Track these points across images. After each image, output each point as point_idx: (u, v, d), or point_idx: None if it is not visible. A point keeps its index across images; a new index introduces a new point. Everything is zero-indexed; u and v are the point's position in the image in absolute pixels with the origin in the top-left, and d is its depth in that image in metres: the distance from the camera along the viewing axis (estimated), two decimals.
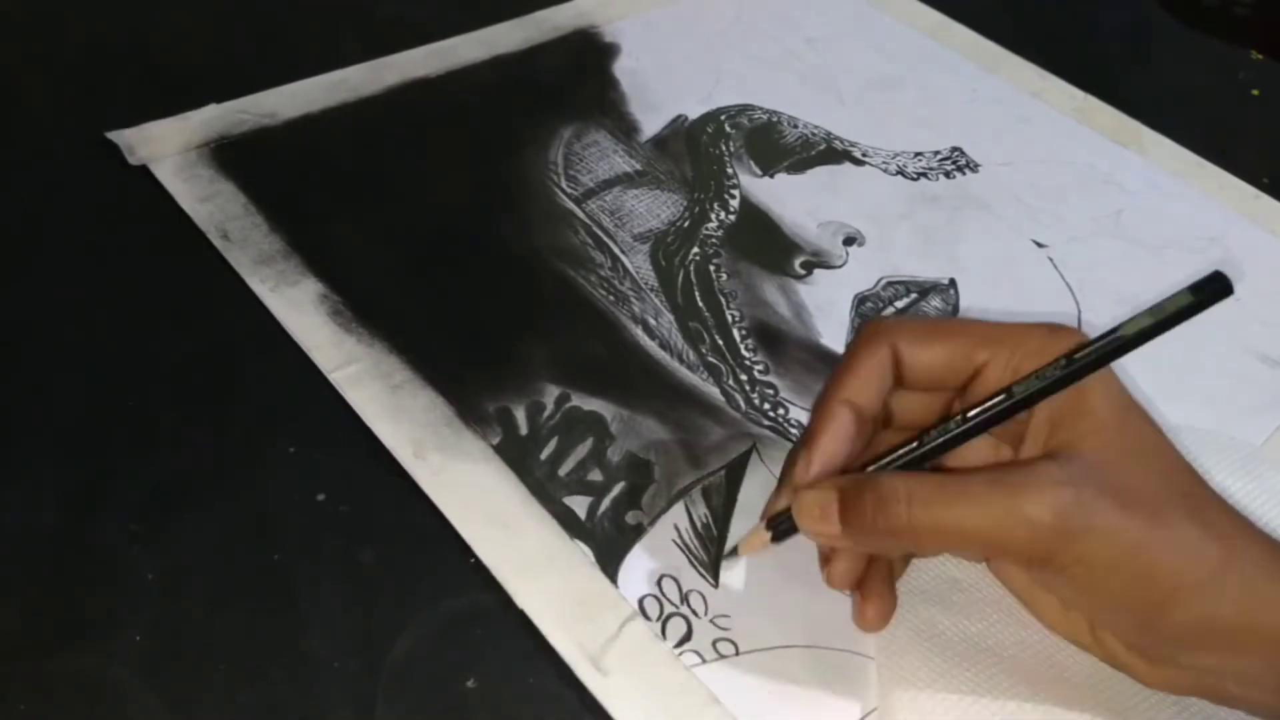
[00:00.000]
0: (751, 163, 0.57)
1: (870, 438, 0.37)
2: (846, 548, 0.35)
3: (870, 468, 0.35)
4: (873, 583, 0.36)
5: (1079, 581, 0.32)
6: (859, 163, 0.58)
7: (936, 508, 0.32)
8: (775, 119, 0.59)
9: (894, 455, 0.35)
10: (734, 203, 0.54)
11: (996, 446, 0.37)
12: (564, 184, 0.54)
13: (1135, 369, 0.46)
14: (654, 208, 0.53)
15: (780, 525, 0.36)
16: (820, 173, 0.57)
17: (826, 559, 0.37)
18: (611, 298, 0.48)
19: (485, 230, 0.51)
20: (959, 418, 0.34)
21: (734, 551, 0.38)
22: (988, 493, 0.32)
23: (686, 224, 0.52)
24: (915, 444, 0.35)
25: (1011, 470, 0.32)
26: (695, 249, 0.51)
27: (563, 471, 0.41)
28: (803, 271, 0.51)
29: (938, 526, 0.32)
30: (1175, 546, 0.31)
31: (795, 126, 0.59)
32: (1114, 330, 0.33)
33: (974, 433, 0.34)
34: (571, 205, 0.52)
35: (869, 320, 0.37)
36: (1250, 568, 0.32)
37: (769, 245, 0.52)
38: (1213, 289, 0.32)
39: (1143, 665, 0.35)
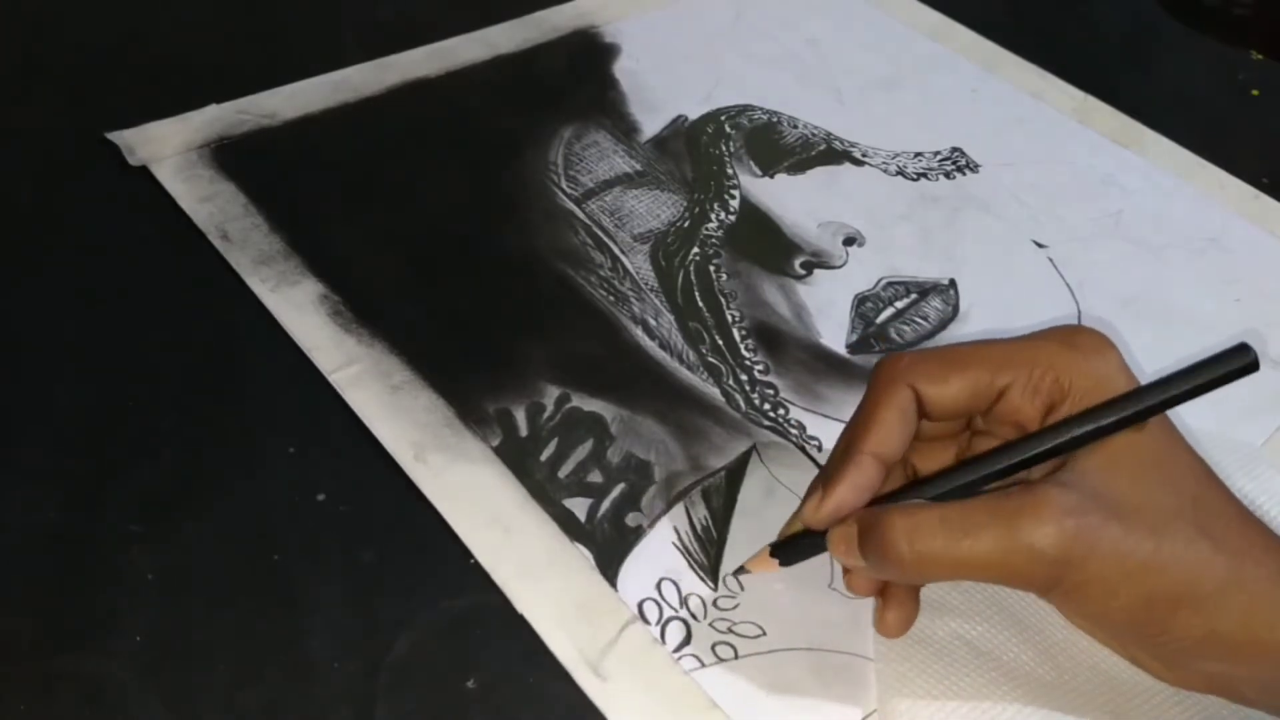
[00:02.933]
0: (751, 163, 0.57)
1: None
2: (877, 577, 0.36)
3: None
4: (894, 589, 0.36)
5: (1082, 604, 0.33)
6: (859, 163, 0.58)
7: (939, 541, 0.32)
8: (775, 119, 0.59)
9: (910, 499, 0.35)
10: (734, 203, 0.54)
11: None
12: (564, 184, 0.54)
13: (1136, 370, 0.46)
14: (654, 208, 0.53)
15: (788, 551, 0.36)
16: (820, 173, 0.57)
17: (847, 569, 0.37)
18: (611, 298, 0.48)
19: (485, 231, 0.51)
20: (975, 465, 0.34)
21: (742, 569, 0.38)
22: (990, 524, 0.32)
23: (686, 224, 0.52)
24: (937, 479, 0.35)
25: (1013, 498, 0.32)
26: (695, 249, 0.51)
27: (563, 473, 0.41)
28: (803, 272, 0.51)
29: (941, 560, 0.32)
30: (1179, 564, 0.31)
31: (795, 127, 0.59)
32: (1141, 393, 0.33)
33: (991, 480, 0.34)
34: (571, 206, 0.52)
35: (885, 359, 0.36)
36: (1260, 583, 0.32)
37: (769, 245, 0.52)
38: (1240, 364, 0.33)
39: (1159, 666, 0.35)
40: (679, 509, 0.41)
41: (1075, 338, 0.35)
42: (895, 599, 0.36)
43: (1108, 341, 0.35)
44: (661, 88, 0.60)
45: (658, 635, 0.37)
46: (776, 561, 0.37)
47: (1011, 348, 0.35)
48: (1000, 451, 0.34)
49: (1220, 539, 0.32)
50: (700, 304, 0.49)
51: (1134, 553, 0.31)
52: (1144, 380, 0.35)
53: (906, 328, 0.49)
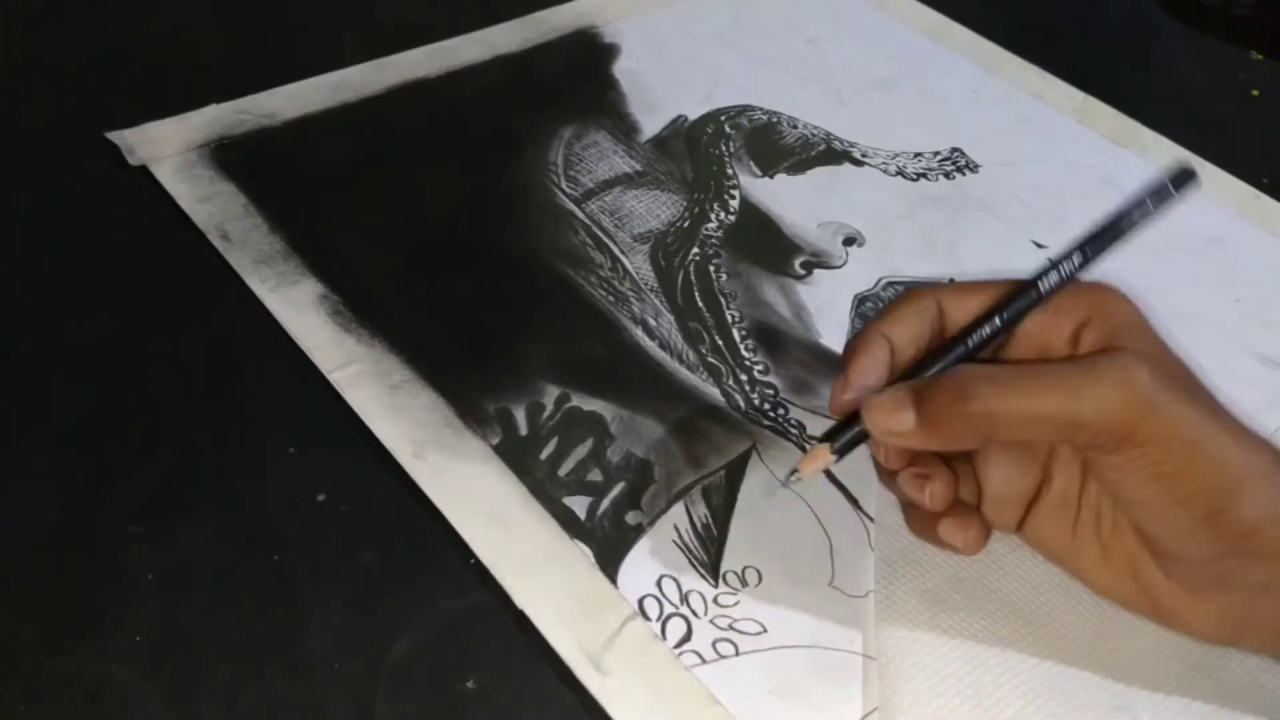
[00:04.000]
0: (751, 163, 0.57)
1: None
2: (915, 444, 0.35)
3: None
4: (959, 507, 0.37)
5: (1155, 461, 0.32)
6: (859, 163, 0.58)
7: (1015, 391, 0.33)
8: (775, 119, 0.59)
9: (938, 363, 0.36)
10: (734, 203, 0.54)
11: None
12: (564, 184, 0.54)
13: None
14: (654, 208, 0.53)
15: (841, 440, 0.37)
16: (820, 173, 0.57)
17: (920, 479, 0.36)
18: (611, 298, 0.48)
19: (485, 231, 0.51)
20: (994, 319, 0.36)
21: (795, 473, 0.37)
22: (1067, 374, 0.33)
23: (686, 224, 0.52)
24: (959, 348, 0.36)
25: (1084, 357, 0.34)
26: (695, 249, 0.51)
27: (562, 472, 0.41)
28: (802, 272, 0.51)
29: (1018, 410, 0.33)
30: (1234, 444, 0.32)
31: (795, 127, 0.59)
32: (1115, 220, 0.36)
33: (1011, 325, 0.36)
34: (571, 206, 0.52)
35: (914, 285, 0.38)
36: None
37: (769, 246, 0.52)
38: (1182, 179, 0.37)
39: (1188, 602, 0.35)
40: (679, 507, 0.41)
41: (1098, 282, 0.37)
42: (964, 515, 0.37)
43: (1124, 291, 0.36)
44: (661, 88, 0.60)
45: (658, 631, 0.37)
46: (829, 452, 0.37)
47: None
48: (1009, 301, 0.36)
49: (1248, 433, 0.33)
50: (700, 304, 0.49)
51: (1201, 420, 0.32)
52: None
53: None
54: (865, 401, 0.35)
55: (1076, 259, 0.36)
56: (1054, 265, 0.36)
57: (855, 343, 0.37)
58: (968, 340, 0.36)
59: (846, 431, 0.36)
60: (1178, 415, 0.32)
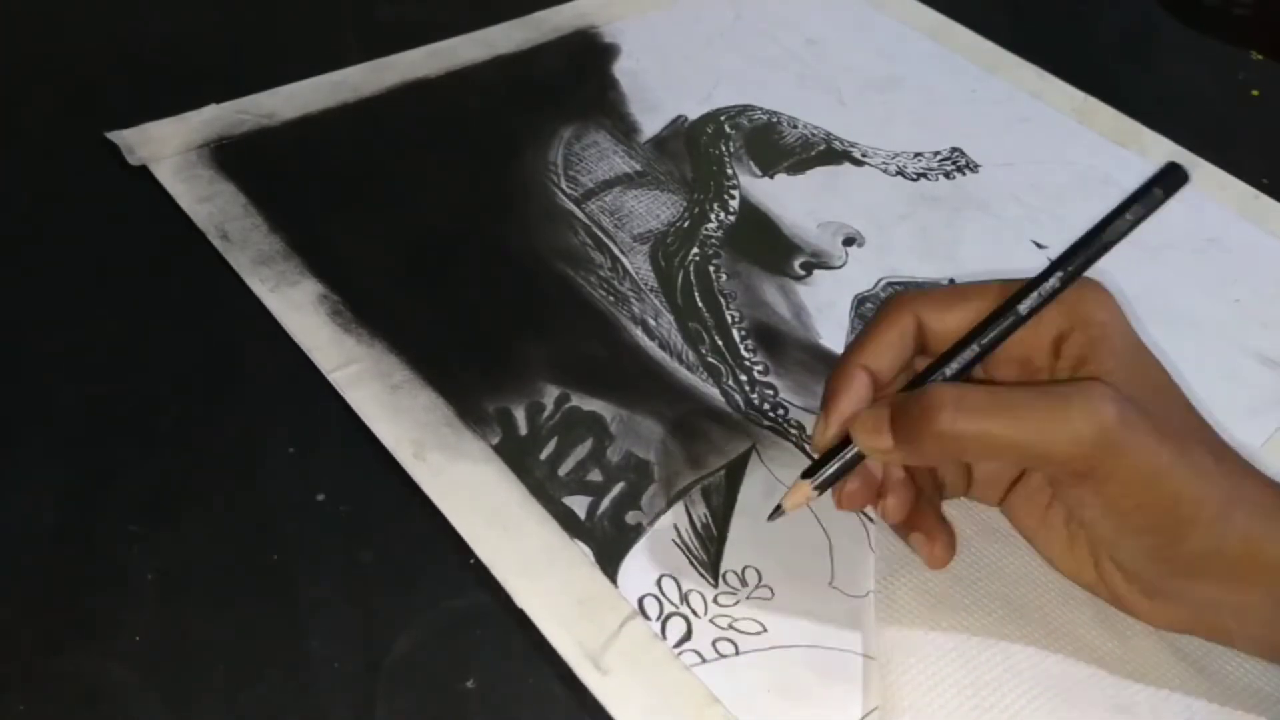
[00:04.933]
0: (751, 163, 0.57)
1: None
2: (899, 461, 0.36)
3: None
4: (928, 521, 0.37)
5: (1111, 497, 0.33)
6: (859, 163, 0.58)
7: (981, 415, 0.33)
8: (775, 119, 0.59)
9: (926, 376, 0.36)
10: (734, 203, 0.54)
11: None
12: (564, 184, 0.54)
13: None
14: (654, 208, 0.53)
15: (819, 474, 0.37)
16: (820, 173, 0.57)
17: (879, 495, 0.38)
18: (611, 298, 0.48)
19: (485, 231, 0.51)
20: (972, 345, 0.36)
21: (779, 510, 0.38)
22: (1035, 403, 0.33)
23: (686, 224, 0.52)
24: (938, 377, 0.36)
25: (1057, 384, 0.33)
26: (695, 249, 0.51)
27: (562, 471, 0.41)
28: (802, 272, 0.51)
29: (983, 434, 0.33)
30: (1195, 474, 0.32)
31: (795, 127, 0.59)
32: (1096, 233, 0.36)
33: (990, 349, 0.36)
34: (571, 206, 0.52)
35: (893, 295, 0.38)
36: (1253, 503, 0.33)
37: (769, 246, 0.52)
38: (1172, 180, 0.36)
39: (1144, 601, 0.36)
40: (679, 507, 0.41)
41: (1080, 282, 0.36)
42: (934, 531, 0.37)
43: (1103, 286, 0.36)
44: (661, 88, 0.60)
45: (658, 631, 0.37)
46: (809, 488, 0.37)
47: (1015, 284, 0.36)
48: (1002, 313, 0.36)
49: (1220, 460, 0.33)
50: (700, 304, 0.49)
51: (1162, 453, 0.32)
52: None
53: None
54: (852, 419, 0.36)
55: (1057, 280, 0.36)
56: (1034, 286, 0.36)
57: (835, 378, 0.37)
58: (945, 369, 0.36)
59: (826, 467, 0.37)
60: (1138, 455, 0.32)
